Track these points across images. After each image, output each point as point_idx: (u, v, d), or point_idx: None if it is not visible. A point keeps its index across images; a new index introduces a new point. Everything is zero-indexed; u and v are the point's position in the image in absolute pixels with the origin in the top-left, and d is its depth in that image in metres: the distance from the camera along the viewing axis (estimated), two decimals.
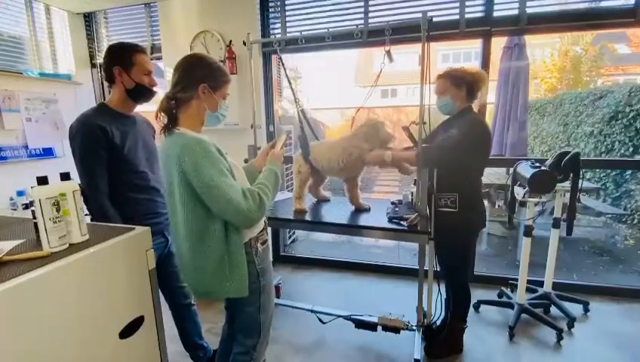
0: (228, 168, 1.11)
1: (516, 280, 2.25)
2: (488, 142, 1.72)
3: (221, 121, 1.26)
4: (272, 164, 1.28)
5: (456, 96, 1.71)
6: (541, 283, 2.36)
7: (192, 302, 1.75)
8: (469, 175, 1.74)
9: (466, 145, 1.62)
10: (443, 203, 1.75)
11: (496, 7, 2.39)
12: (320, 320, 2.16)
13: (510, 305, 2.25)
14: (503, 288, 2.47)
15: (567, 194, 2.05)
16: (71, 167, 1.30)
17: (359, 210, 2.03)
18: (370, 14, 2.62)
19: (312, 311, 2.22)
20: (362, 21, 2.64)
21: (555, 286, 2.34)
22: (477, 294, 2.39)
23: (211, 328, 2.18)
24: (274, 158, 1.30)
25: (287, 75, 2.25)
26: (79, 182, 1.30)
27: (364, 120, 1.99)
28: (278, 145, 1.36)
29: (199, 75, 1.15)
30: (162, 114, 1.14)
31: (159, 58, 3.05)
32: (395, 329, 1.98)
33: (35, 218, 0.86)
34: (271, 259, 1.34)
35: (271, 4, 2.83)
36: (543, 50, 10.09)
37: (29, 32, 2.93)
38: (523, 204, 2.07)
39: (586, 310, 2.31)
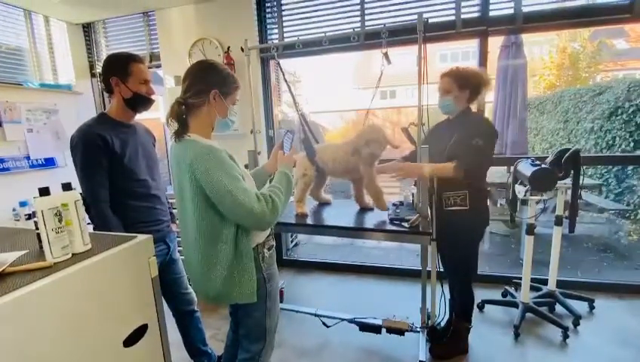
0: (240, 174, 1.12)
1: (520, 278, 2.23)
2: (495, 139, 1.75)
3: (230, 127, 1.27)
4: (283, 167, 1.28)
5: (459, 98, 1.69)
6: (545, 282, 2.35)
7: (196, 309, 1.75)
8: (482, 172, 1.75)
9: (489, 146, 1.65)
10: (452, 201, 1.73)
11: (492, 6, 2.40)
12: (324, 323, 2.15)
13: (515, 304, 2.24)
14: (506, 287, 2.46)
15: (569, 192, 2.05)
16: (72, 176, 1.31)
17: (364, 208, 2.09)
18: (367, 17, 2.63)
19: (315, 314, 2.22)
20: (359, 24, 2.65)
21: (560, 284, 2.33)
22: (481, 294, 2.38)
23: (215, 334, 2.17)
24: (284, 161, 1.31)
25: (285, 80, 2.26)
26: (80, 191, 1.31)
27: (365, 125, 2.00)
28: (285, 148, 1.35)
29: (211, 81, 1.15)
30: (172, 119, 1.14)
31: (158, 66, 3.07)
32: (400, 331, 1.97)
33: (37, 228, 0.87)
34: (276, 263, 1.34)
35: (268, 10, 2.84)
36: (541, 47, 10.10)
37: (28, 43, 2.96)
38: (524, 202, 2.06)
39: (592, 307, 2.29)
